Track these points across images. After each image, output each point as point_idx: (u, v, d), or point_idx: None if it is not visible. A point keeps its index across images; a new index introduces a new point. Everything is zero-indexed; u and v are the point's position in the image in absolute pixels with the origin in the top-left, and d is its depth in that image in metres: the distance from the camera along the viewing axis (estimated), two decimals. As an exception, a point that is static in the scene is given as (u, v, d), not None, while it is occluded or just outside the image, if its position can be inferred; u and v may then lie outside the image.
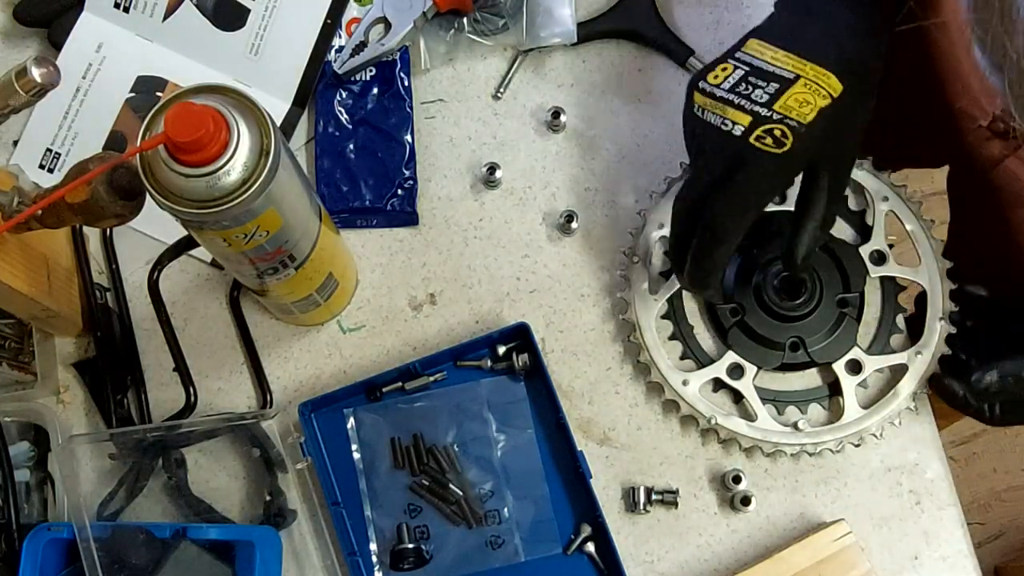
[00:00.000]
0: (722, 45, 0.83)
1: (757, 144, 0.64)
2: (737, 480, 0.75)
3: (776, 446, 0.74)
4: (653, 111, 0.83)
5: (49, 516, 0.75)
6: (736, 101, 0.65)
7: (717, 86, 0.66)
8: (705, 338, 0.77)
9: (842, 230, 0.78)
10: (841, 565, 0.71)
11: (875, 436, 0.74)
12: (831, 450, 0.74)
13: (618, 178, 0.82)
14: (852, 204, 0.79)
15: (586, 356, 0.78)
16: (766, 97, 0.64)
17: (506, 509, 0.75)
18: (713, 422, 0.74)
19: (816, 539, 0.72)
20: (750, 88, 0.65)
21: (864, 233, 0.77)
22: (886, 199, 0.77)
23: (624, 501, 0.76)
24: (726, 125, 0.65)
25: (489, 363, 0.77)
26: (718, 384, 0.76)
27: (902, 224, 0.77)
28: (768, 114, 0.64)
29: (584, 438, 0.77)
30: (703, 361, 0.76)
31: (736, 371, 0.75)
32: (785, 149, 0.64)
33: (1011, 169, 0.80)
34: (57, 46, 0.83)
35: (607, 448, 0.77)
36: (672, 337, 0.77)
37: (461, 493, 0.75)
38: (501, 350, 0.77)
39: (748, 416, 0.75)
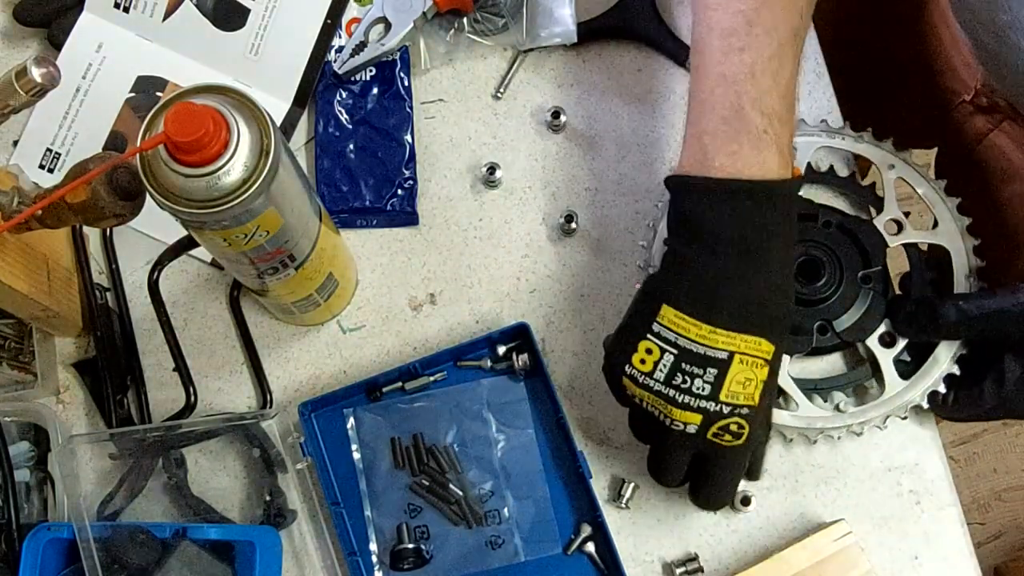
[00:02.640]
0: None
1: (717, 441, 0.61)
2: (737, 480, 0.75)
3: (821, 431, 0.72)
4: (653, 111, 0.83)
5: (49, 516, 0.75)
6: (679, 399, 0.60)
7: (649, 375, 0.61)
8: None
9: (856, 205, 0.78)
10: (841, 565, 0.71)
11: (920, 407, 0.72)
12: (878, 427, 0.72)
13: (618, 178, 0.82)
14: (860, 178, 0.78)
15: (586, 356, 0.78)
16: (708, 388, 0.60)
17: (506, 509, 0.75)
18: None
19: (816, 539, 0.72)
20: (687, 379, 0.60)
21: (877, 205, 0.76)
22: (892, 167, 0.76)
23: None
24: (676, 426, 0.61)
25: (489, 363, 0.77)
26: None
27: (913, 189, 0.75)
28: (717, 408, 0.60)
29: (584, 438, 0.77)
30: None
31: None
32: (744, 437, 0.61)
33: (996, 143, 0.81)
34: (57, 46, 0.83)
35: (607, 448, 0.77)
36: None
37: (461, 493, 0.75)
38: (501, 350, 0.77)
39: (788, 406, 0.74)
